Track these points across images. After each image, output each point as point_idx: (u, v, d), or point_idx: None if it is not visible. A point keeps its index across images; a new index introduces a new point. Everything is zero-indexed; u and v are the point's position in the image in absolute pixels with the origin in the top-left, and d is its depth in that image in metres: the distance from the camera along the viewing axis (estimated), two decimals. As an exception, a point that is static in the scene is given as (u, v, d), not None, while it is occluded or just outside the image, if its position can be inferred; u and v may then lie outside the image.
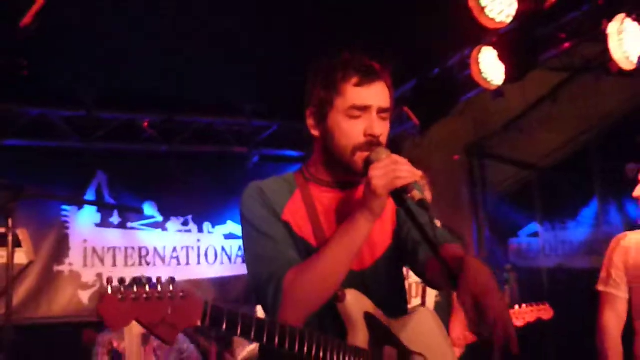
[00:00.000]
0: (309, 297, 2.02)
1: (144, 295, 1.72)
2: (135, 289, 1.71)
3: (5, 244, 2.33)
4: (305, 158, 7.43)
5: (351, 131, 2.12)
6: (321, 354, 1.95)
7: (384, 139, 2.13)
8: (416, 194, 1.93)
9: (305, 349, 1.92)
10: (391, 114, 2.20)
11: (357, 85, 2.13)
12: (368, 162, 2.03)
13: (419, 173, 2.00)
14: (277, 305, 2.00)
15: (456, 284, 1.94)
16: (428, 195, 3.43)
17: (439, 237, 2.07)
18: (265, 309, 2.06)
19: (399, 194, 1.96)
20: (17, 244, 2.37)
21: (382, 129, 2.13)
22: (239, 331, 1.82)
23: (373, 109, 2.13)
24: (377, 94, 2.15)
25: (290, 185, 2.26)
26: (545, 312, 4.30)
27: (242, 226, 2.22)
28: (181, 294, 1.75)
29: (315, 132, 2.22)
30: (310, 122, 2.23)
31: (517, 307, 4.39)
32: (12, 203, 2.39)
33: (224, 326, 1.80)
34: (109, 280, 1.75)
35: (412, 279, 4.37)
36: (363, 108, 2.12)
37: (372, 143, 2.09)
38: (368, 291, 2.15)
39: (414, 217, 2.02)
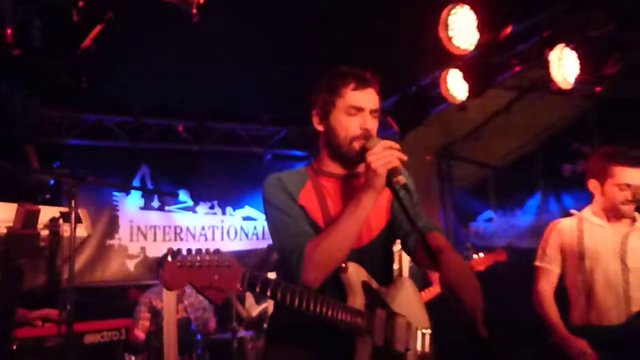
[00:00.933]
0: (325, 262, 2.04)
1: (197, 264, 1.77)
2: (190, 258, 1.77)
3: (69, 220, 2.33)
4: (310, 156, 7.49)
5: (349, 125, 2.17)
6: (327, 312, 1.98)
7: (374, 133, 2.17)
8: (401, 179, 2.00)
9: (315, 307, 1.96)
10: (379, 114, 2.25)
11: (354, 89, 2.18)
12: (364, 149, 2.08)
13: (405, 157, 2.02)
14: (300, 270, 2.02)
15: (438, 267, 2.01)
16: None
17: (425, 226, 2.20)
18: (290, 274, 2.06)
19: (389, 177, 2.00)
20: (78, 220, 2.37)
21: (373, 125, 2.19)
22: (268, 293, 1.88)
23: (366, 109, 2.18)
24: (369, 97, 2.20)
25: (302, 176, 2.28)
26: (500, 255, 4.32)
27: (265, 209, 2.24)
28: (227, 263, 1.80)
29: (320, 128, 2.27)
30: (315, 120, 2.28)
31: (475, 256, 4.40)
32: (75, 188, 2.39)
33: (258, 289, 1.85)
34: (169, 251, 1.79)
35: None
36: (358, 108, 2.17)
37: (365, 135, 2.14)
38: (364, 264, 2.17)
39: (399, 199, 2.07)
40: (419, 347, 2.22)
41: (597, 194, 3.31)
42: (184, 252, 1.79)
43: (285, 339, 2.22)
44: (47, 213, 2.41)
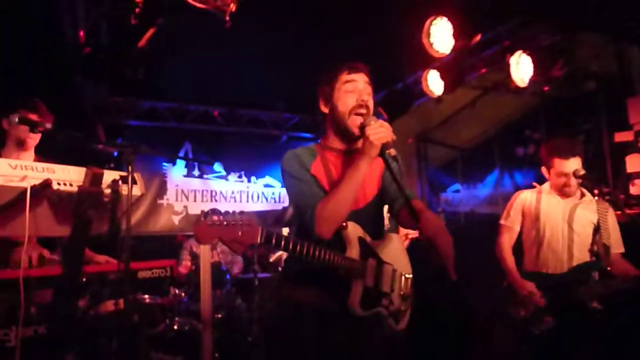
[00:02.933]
0: (332, 216, 2.02)
1: (224, 222, 1.76)
2: (217, 218, 1.76)
3: (127, 182, 2.28)
4: (317, 138, 7.44)
5: (347, 99, 2.11)
6: (328, 259, 2.00)
7: (370, 105, 2.11)
8: (392, 151, 1.98)
9: (318, 255, 1.97)
10: (372, 94, 2.18)
11: (348, 73, 2.14)
12: (363, 125, 2.05)
13: (394, 136, 2.00)
14: (314, 224, 2.01)
15: (418, 226, 2.02)
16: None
17: (409, 195, 2.13)
18: (305, 228, 2.06)
19: (382, 149, 1.98)
20: (134, 182, 2.35)
21: (368, 97, 2.13)
22: (281, 246, 1.90)
23: (359, 83, 2.13)
24: (360, 78, 2.15)
25: (313, 152, 2.24)
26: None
27: (283, 178, 2.21)
28: (248, 222, 1.79)
29: (325, 110, 2.22)
30: (321, 105, 2.23)
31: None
32: (132, 156, 2.36)
33: (273, 243, 1.86)
34: (202, 212, 1.78)
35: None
36: (352, 81, 2.12)
37: (361, 106, 2.08)
38: (360, 223, 2.16)
39: (390, 168, 2.06)
40: (402, 288, 2.24)
41: (548, 178, 3.30)
42: (213, 213, 1.78)
43: (296, 280, 2.22)
44: (109, 176, 2.39)
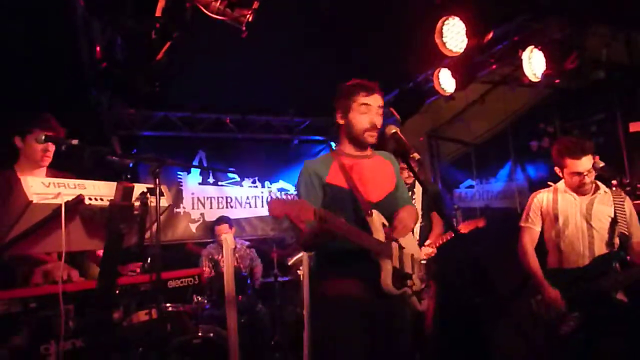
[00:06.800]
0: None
1: (288, 201, 1.99)
2: (285, 196, 2.01)
3: (154, 194, 2.34)
4: (328, 140, 7.47)
5: (362, 120, 2.43)
6: (366, 239, 2.27)
7: (379, 124, 2.45)
8: (416, 155, 2.11)
9: (358, 237, 2.23)
10: (383, 109, 2.49)
11: (364, 95, 2.43)
12: (382, 133, 2.41)
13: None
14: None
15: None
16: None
17: (407, 199, 2.62)
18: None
19: (405, 156, 2.12)
20: (161, 194, 2.39)
21: (379, 120, 2.45)
22: (327, 222, 2.04)
23: (373, 107, 2.43)
24: (375, 100, 2.44)
25: (328, 159, 2.50)
26: (480, 222, 4.31)
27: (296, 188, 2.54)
28: (302, 202, 2.02)
29: (341, 122, 2.50)
30: (338, 116, 2.51)
31: (462, 223, 4.46)
32: (159, 169, 2.41)
33: (325, 219, 2.03)
34: (270, 191, 2.05)
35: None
36: (367, 105, 2.40)
37: (373, 128, 2.42)
38: (382, 212, 2.41)
39: (413, 170, 2.22)
40: (420, 271, 2.51)
41: (562, 177, 3.30)
42: (279, 194, 1.98)
43: (329, 275, 2.41)
44: (137, 189, 2.42)
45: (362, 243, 2.23)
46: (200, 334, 4.39)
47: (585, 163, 3.09)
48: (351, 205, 2.38)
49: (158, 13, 2.86)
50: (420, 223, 4.35)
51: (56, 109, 3.18)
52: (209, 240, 6.36)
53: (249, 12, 2.76)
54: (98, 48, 3.63)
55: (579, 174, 3.12)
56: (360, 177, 2.42)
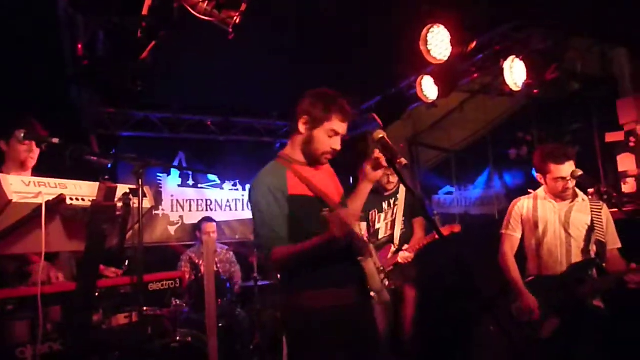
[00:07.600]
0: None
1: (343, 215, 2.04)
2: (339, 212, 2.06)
3: (137, 195, 2.30)
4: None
5: (326, 144, 2.32)
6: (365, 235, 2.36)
7: (339, 148, 2.36)
8: (403, 160, 2.06)
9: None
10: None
11: (341, 121, 2.31)
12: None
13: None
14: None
15: None
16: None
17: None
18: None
19: (392, 162, 2.08)
20: (144, 195, 2.36)
21: (338, 145, 2.35)
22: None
23: (340, 134, 2.34)
24: (345, 128, 2.35)
25: (281, 169, 2.36)
26: (456, 227, 4.34)
27: (251, 205, 2.38)
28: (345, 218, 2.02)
29: (302, 131, 2.35)
30: (302, 122, 2.35)
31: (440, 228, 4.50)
32: (142, 170, 2.38)
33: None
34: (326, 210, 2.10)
35: (386, 220, 4.39)
36: (337, 133, 2.32)
37: (333, 152, 2.35)
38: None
39: (400, 175, 2.19)
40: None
41: (543, 183, 3.34)
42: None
43: (303, 285, 2.26)
44: (120, 190, 2.38)
45: (358, 240, 2.30)
46: (178, 337, 4.33)
47: (568, 168, 3.14)
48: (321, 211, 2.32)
49: (145, 11, 2.82)
50: (401, 229, 4.36)
51: (34, 105, 3.11)
52: (187, 242, 6.27)
53: (237, 14, 2.74)
54: (80, 45, 3.55)
55: (563, 179, 3.17)
56: (320, 184, 2.34)
